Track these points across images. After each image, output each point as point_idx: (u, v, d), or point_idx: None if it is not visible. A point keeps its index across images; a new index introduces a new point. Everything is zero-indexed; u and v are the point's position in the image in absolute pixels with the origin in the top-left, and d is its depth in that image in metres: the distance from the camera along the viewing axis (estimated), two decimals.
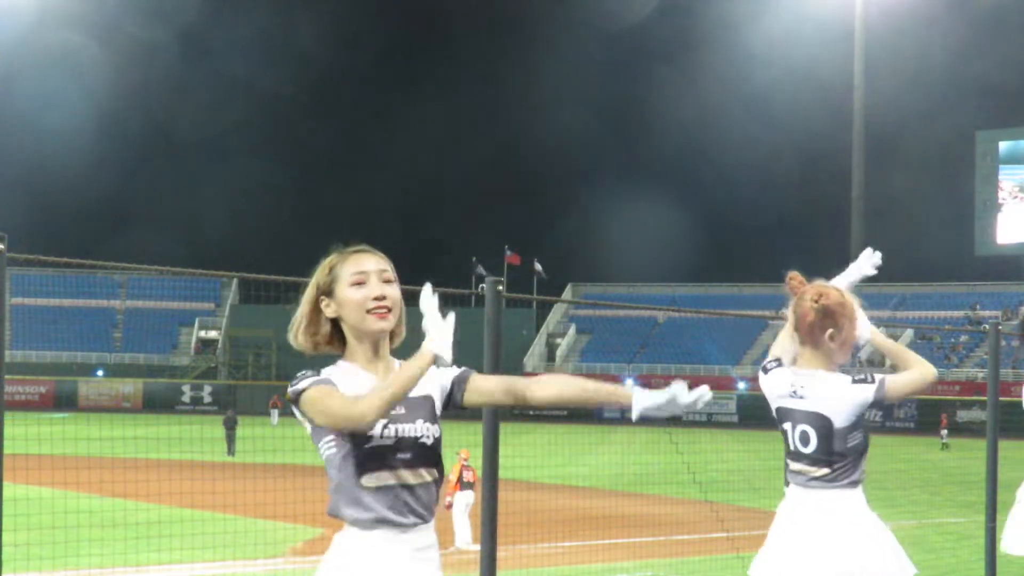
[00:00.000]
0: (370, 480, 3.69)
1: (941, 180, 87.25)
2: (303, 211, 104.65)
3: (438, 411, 3.84)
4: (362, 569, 3.71)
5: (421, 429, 3.76)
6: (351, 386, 3.72)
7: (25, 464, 15.02)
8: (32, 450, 15.85)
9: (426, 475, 3.77)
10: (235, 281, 74.02)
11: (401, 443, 3.72)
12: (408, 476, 3.73)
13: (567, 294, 79.25)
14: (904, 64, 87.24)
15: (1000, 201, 77.66)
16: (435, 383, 3.86)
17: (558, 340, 79.10)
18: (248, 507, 15.12)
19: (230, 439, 34.75)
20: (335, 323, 3.85)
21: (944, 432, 46.33)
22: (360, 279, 3.80)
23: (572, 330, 79.35)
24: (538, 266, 78.53)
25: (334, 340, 3.87)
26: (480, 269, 75.37)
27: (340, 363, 3.83)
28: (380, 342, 3.83)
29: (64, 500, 16.52)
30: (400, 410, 3.73)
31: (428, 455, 3.77)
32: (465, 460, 17.57)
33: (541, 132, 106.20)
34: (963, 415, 56.99)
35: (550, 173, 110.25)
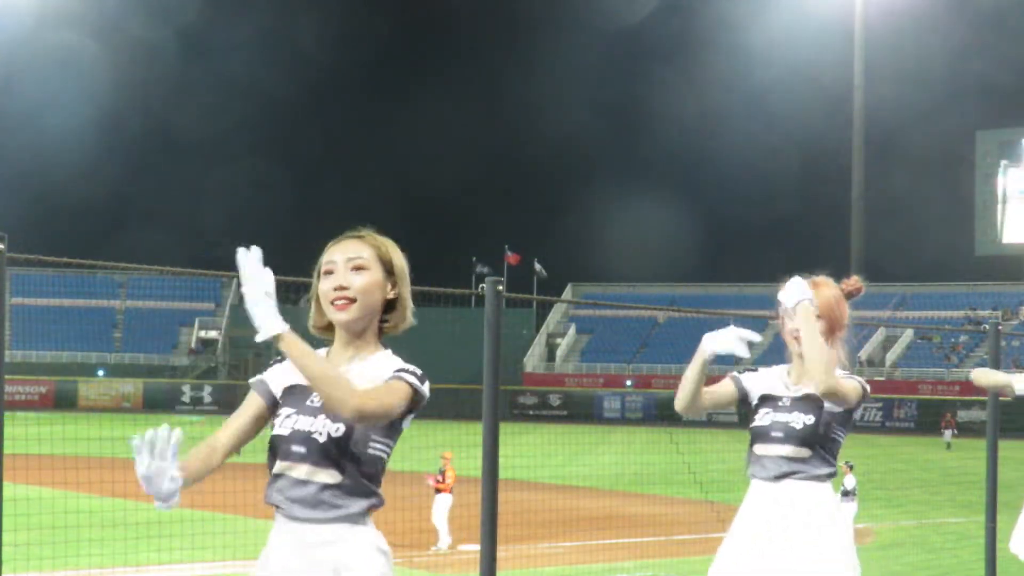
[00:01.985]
0: (274, 467, 3.72)
1: (941, 180, 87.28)
2: (303, 211, 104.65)
3: None
4: (265, 551, 3.77)
5: (317, 424, 3.64)
6: (288, 378, 3.76)
7: (25, 464, 15.01)
8: (32, 450, 15.83)
9: (323, 476, 3.63)
10: (235, 281, 73.82)
11: (295, 436, 3.66)
12: (302, 471, 3.65)
13: (567, 294, 79.24)
14: (904, 64, 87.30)
15: (1000, 201, 77.70)
16: (375, 375, 3.69)
17: (558, 340, 79.10)
18: (248, 507, 15.11)
19: None
20: None
21: (948, 432, 46.33)
22: (328, 268, 3.75)
23: (572, 330, 79.34)
24: (538, 266, 78.55)
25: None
26: (480, 269, 75.39)
27: (323, 349, 3.81)
28: (357, 330, 3.75)
29: (64, 500, 16.50)
30: (316, 402, 3.66)
31: (322, 453, 3.62)
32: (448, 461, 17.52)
33: (541, 132, 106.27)
34: (963, 415, 56.96)
35: (550, 173, 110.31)
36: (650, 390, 69.61)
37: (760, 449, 5.32)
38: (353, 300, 3.71)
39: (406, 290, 3.84)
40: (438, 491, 16.99)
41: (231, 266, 3.72)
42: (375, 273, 3.74)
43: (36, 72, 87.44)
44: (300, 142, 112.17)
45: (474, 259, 77.44)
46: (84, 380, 69.61)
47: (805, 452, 5.21)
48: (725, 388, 5.46)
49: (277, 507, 3.72)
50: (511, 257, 77.82)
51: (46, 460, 14.13)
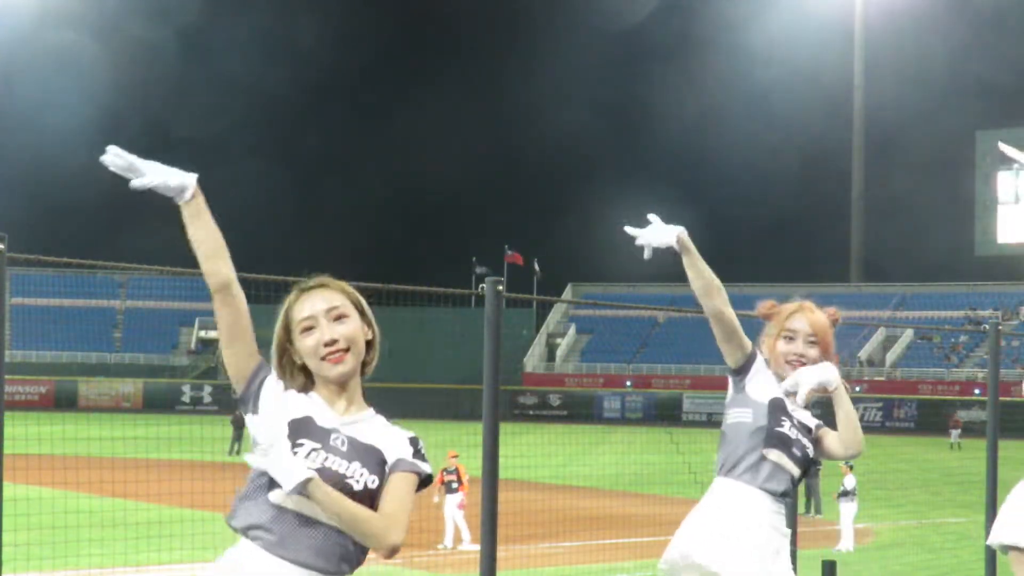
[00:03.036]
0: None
1: (941, 180, 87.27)
2: (303, 211, 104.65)
3: (386, 470, 3.56)
4: None
5: (352, 470, 3.51)
6: (297, 408, 3.61)
7: (25, 464, 15.00)
8: (32, 450, 15.84)
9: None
10: None
11: (324, 474, 3.45)
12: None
13: (567, 294, 79.23)
14: (904, 64, 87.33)
15: (1000, 201, 77.75)
16: (391, 447, 3.62)
17: (558, 340, 79.10)
18: None
19: (238, 439, 34.82)
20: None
21: (955, 432, 46.32)
22: (308, 324, 3.62)
23: (572, 330, 79.35)
24: (535, 266, 78.57)
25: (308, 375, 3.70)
26: (480, 269, 75.38)
27: (312, 393, 3.66)
28: (349, 378, 3.65)
29: (64, 500, 16.51)
30: (341, 446, 3.55)
31: (349, 497, 3.47)
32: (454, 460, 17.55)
33: (541, 132, 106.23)
34: (963, 415, 56.97)
35: (550, 173, 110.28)
36: (650, 390, 69.63)
37: (777, 456, 4.98)
38: (347, 350, 3.62)
39: (376, 328, 3.74)
40: (452, 491, 17.07)
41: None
42: (355, 319, 3.65)
43: (36, 72, 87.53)
44: (300, 142, 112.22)
45: (474, 259, 77.48)
46: (84, 380, 69.62)
47: (798, 478, 5.12)
48: (744, 338, 5.08)
49: (259, 538, 3.49)
50: (511, 257, 77.79)
51: (46, 460, 14.15)
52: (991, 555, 9.19)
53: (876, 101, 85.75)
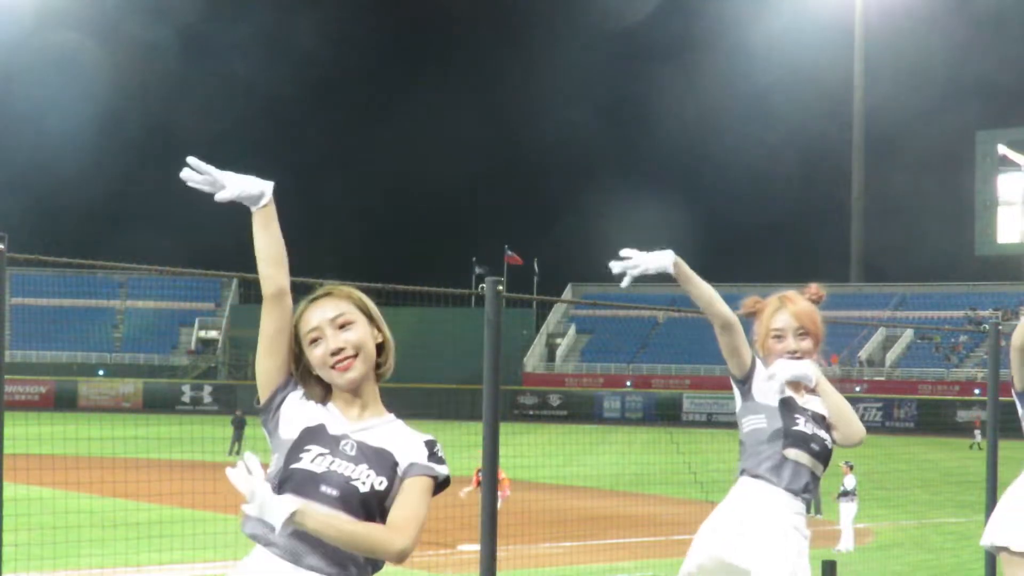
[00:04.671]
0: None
1: (941, 180, 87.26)
2: (303, 211, 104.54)
3: (398, 472, 3.57)
4: None
5: (359, 472, 3.52)
6: (312, 417, 3.63)
7: (25, 464, 15.00)
8: (32, 450, 15.84)
9: None
10: (235, 281, 73.97)
11: (329, 477, 3.49)
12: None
13: (567, 294, 79.23)
14: (904, 64, 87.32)
15: (1008, 202, 77.77)
16: (404, 450, 3.60)
17: (558, 340, 79.10)
18: None
19: (238, 439, 34.81)
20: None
21: (978, 433, 45.93)
22: (314, 336, 3.63)
23: (572, 330, 79.34)
24: (535, 266, 78.59)
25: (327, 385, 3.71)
26: (480, 269, 75.36)
27: (329, 404, 3.68)
28: (359, 386, 3.65)
29: (64, 500, 16.52)
30: (350, 451, 3.56)
31: (355, 503, 3.48)
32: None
33: (541, 132, 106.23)
34: (963, 415, 56.96)
35: (550, 173, 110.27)
36: (650, 390, 69.63)
37: (796, 455, 4.97)
38: (355, 356, 3.62)
39: (387, 331, 3.74)
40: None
41: (231, 266, 3.73)
42: (361, 324, 3.65)
43: (36, 72, 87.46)
44: (300, 142, 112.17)
45: (474, 259, 77.44)
46: (84, 380, 69.62)
47: (822, 471, 5.09)
48: (746, 349, 5.08)
49: (269, 543, 3.50)
50: (511, 257, 77.78)
51: (46, 460, 14.15)
52: (991, 555, 9.18)
53: (876, 101, 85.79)
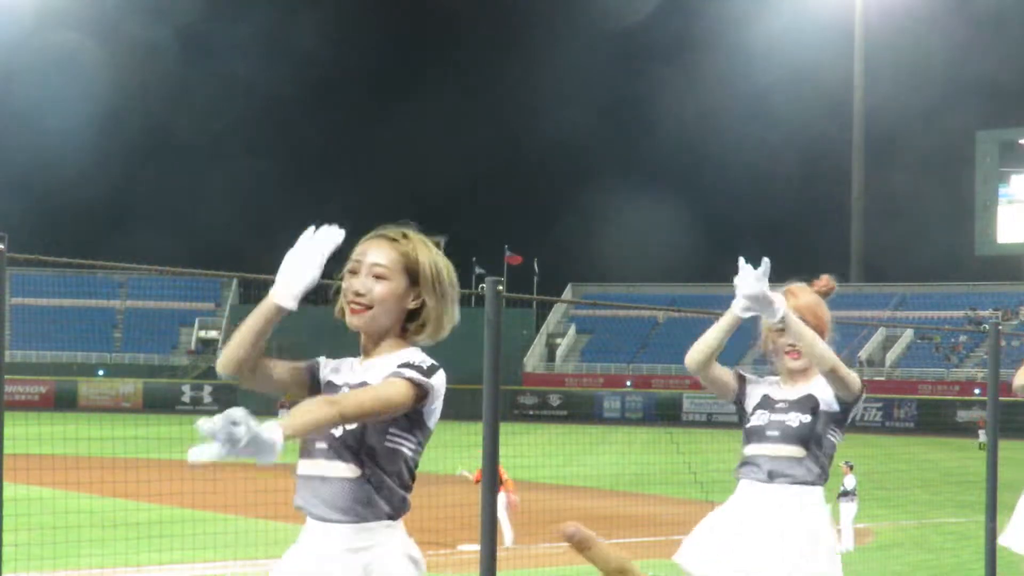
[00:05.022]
0: (300, 467, 3.66)
1: (941, 180, 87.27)
2: (303, 211, 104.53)
3: None
4: (290, 549, 3.72)
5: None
6: (333, 369, 3.80)
7: (25, 464, 14.99)
8: (32, 450, 15.83)
9: (343, 470, 3.54)
10: (235, 281, 74.05)
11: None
12: (322, 467, 3.58)
13: (567, 294, 79.22)
14: (904, 64, 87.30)
15: (1000, 201, 77.71)
16: (379, 376, 3.62)
17: (558, 340, 79.09)
18: (248, 507, 15.11)
19: None
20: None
21: (982, 433, 46.13)
22: (353, 267, 3.72)
23: (572, 330, 79.33)
24: (535, 266, 78.58)
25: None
26: (480, 269, 75.34)
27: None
28: (372, 334, 3.71)
29: (64, 500, 16.51)
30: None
31: (341, 447, 3.54)
32: None
33: (541, 132, 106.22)
34: (963, 415, 56.94)
35: (550, 173, 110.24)
36: (650, 390, 69.59)
37: (753, 449, 5.19)
38: (368, 307, 3.66)
39: (435, 299, 3.71)
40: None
41: (231, 266, 3.76)
42: (395, 283, 3.67)
43: (36, 72, 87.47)
44: (300, 142, 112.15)
45: (474, 259, 77.41)
46: (84, 380, 69.61)
47: (800, 452, 5.14)
48: (728, 375, 5.34)
49: (302, 508, 3.66)
50: (511, 257, 77.77)
51: (46, 460, 14.14)
52: (991, 555, 9.18)
53: (876, 101, 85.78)
